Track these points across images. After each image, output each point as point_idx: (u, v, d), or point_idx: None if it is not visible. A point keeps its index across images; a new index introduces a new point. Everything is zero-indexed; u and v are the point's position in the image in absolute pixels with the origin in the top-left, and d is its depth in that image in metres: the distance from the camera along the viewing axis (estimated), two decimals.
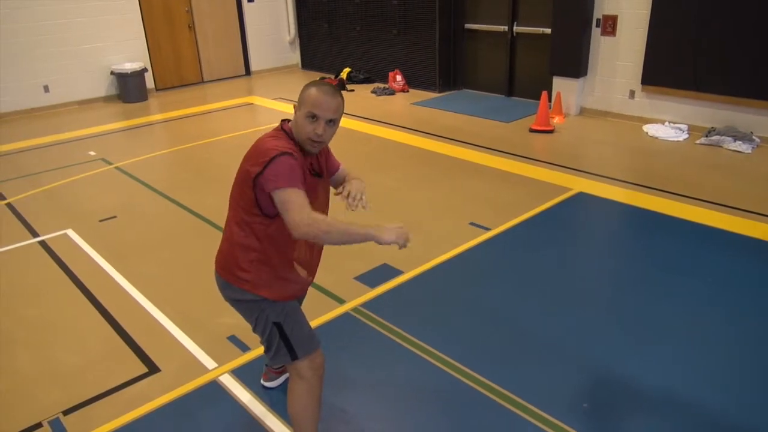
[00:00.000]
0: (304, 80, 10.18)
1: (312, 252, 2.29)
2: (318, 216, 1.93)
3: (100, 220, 4.81)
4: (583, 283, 3.73)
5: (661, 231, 4.34)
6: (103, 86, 8.97)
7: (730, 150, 5.91)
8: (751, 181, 5.20)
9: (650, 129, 6.59)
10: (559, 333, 3.20)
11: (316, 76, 10.14)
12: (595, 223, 4.74)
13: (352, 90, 9.30)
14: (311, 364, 2.21)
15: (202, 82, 10.19)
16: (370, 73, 9.71)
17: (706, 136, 6.14)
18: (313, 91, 2.04)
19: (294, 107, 2.13)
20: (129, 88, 8.88)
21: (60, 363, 3.11)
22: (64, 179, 5.77)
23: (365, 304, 3.51)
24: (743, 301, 3.42)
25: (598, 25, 6.94)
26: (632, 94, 6.92)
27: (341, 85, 9.39)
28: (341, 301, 3.53)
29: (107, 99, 9.03)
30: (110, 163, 6.19)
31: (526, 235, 4.36)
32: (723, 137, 6.02)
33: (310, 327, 2.27)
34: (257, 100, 8.93)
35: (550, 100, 7.17)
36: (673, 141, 6.31)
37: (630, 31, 6.71)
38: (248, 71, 10.74)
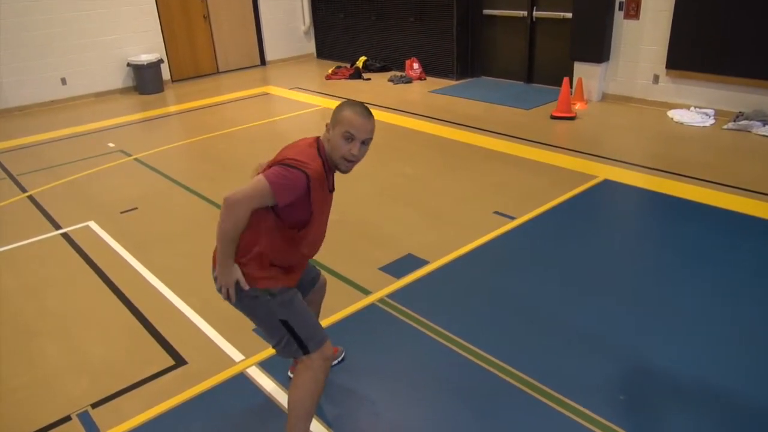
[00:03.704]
0: (320, 70, 10.21)
1: (300, 264, 2.31)
2: (245, 216, 2.01)
3: (122, 212, 4.80)
4: (613, 272, 3.65)
5: (692, 219, 4.23)
6: (119, 78, 8.96)
7: (759, 135, 5.76)
8: None
9: (675, 114, 6.44)
10: (591, 323, 3.13)
11: (332, 65, 10.06)
12: (622, 211, 4.64)
13: (369, 79, 9.21)
14: (322, 354, 2.22)
15: (218, 72, 10.16)
16: (387, 62, 9.61)
17: (734, 121, 5.99)
18: (349, 112, 2.08)
19: (327, 126, 2.14)
20: (145, 80, 8.87)
21: (87, 355, 3.10)
22: (85, 171, 5.77)
23: (391, 295, 3.46)
24: None
25: (621, 8, 6.78)
26: (656, 78, 6.76)
27: (357, 74, 9.31)
28: (367, 292, 3.49)
29: (124, 91, 9.03)
30: (129, 155, 6.18)
31: (552, 224, 4.27)
32: (752, 122, 5.86)
33: (314, 318, 2.26)
34: (273, 90, 8.88)
35: (571, 86, 7.04)
36: (699, 126, 6.16)
37: (654, 14, 6.54)
38: (263, 61, 10.69)
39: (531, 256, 3.89)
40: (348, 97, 8.08)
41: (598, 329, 3.08)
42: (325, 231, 2.32)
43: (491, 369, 2.82)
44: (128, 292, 3.65)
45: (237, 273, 2.12)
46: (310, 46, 11.18)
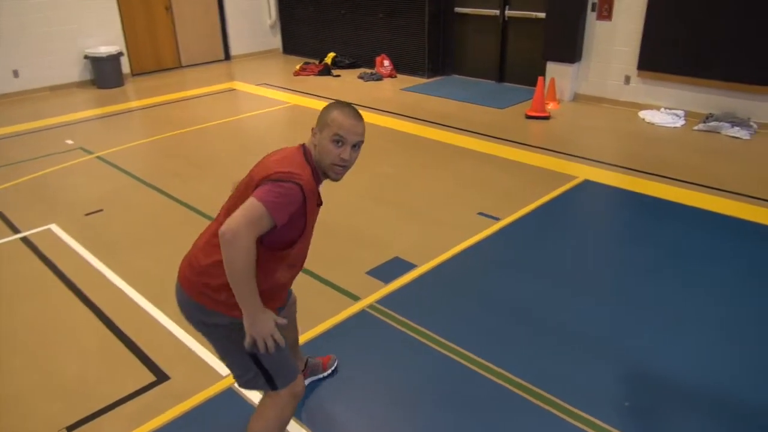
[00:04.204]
0: (287, 65, 9.97)
1: (290, 281, 2.12)
2: (252, 245, 1.75)
3: (86, 214, 4.51)
4: (602, 273, 3.62)
5: (673, 218, 4.26)
6: (76, 71, 8.52)
7: (728, 136, 5.88)
8: (755, 166, 5.17)
9: (647, 115, 6.53)
10: (584, 325, 3.09)
11: (299, 60, 9.84)
12: (605, 212, 4.64)
13: (338, 75, 9.04)
14: (291, 391, 2.04)
15: (180, 66, 9.79)
16: (356, 58, 9.45)
17: (705, 122, 6.10)
18: (337, 114, 1.91)
19: (312, 130, 1.97)
20: (104, 73, 8.46)
21: (58, 372, 2.87)
22: (43, 170, 5.43)
23: (381, 301, 3.34)
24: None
25: (593, 9, 6.82)
26: (627, 79, 6.84)
27: (326, 71, 9.13)
28: (356, 298, 3.36)
29: (81, 84, 8.59)
30: (90, 153, 5.86)
31: (538, 225, 4.23)
32: (721, 123, 5.98)
33: (287, 351, 2.03)
34: (239, 86, 8.61)
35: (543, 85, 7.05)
36: (670, 127, 6.26)
37: (626, 16, 6.61)
38: (228, 56, 10.37)
39: (519, 257, 3.83)
40: (317, 94, 7.95)
41: (592, 330, 3.04)
42: (309, 243, 2.10)
43: (488, 375, 2.74)
44: (99, 301, 3.41)
45: (271, 315, 1.87)
46: (276, 41, 10.91)
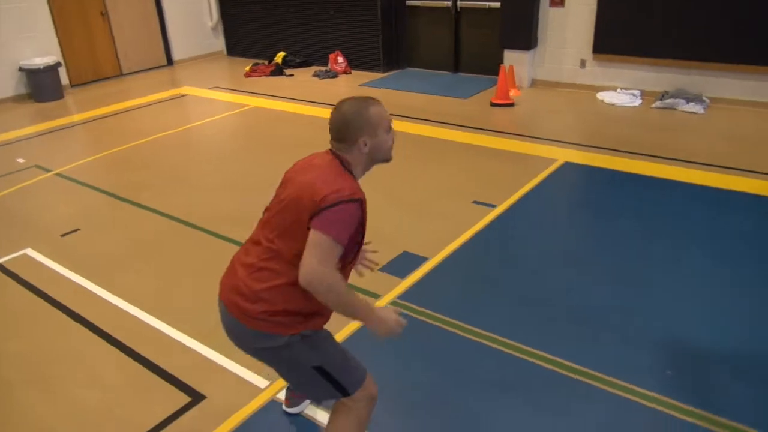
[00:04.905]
0: (235, 67, 9.71)
1: None
2: (340, 279, 1.77)
3: (62, 235, 4.22)
4: (606, 249, 3.72)
5: (655, 191, 4.43)
6: (10, 85, 7.94)
7: (684, 111, 6.19)
8: (714, 137, 5.46)
9: (605, 96, 6.77)
10: (603, 303, 3.16)
11: (246, 62, 9.57)
12: (592, 190, 4.77)
13: (291, 75, 8.87)
14: (365, 393, 1.98)
15: (121, 75, 9.32)
16: (307, 57, 9.30)
17: (661, 100, 6.39)
18: (375, 109, 1.89)
19: (361, 142, 1.85)
20: (41, 86, 7.93)
21: (78, 401, 2.66)
22: (1, 191, 5.03)
23: (402, 296, 3.30)
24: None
25: None
26: (583, 63, 7.06)
27: (279, 70, 8.94)
28: (376, 296, 3.29)
29: (17, 99, 8.01)
30: (48, 170, 5.48)
31: (534, 209, 4.31)
32: (676, 100, 6.28)
33: (349, 355, 1.99)
34: (190, 91, 8.29)
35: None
36: (629, 107, 6.52)
37: (579, 1, 6.81)
38: (170, 61, 9.96)
39: (524, 241, 3.89)
40: (276, 95, 7.77)
41: (615, 307, 3.11)
42: None
43: (524, 357, 2.76)
44: (103, 324, 3.19)
45: (387, 312, 1.88)
46: (220, 43, 10.58)
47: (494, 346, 2.87)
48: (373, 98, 1.93)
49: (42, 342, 3.10)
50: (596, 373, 2.64)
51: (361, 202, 1.80)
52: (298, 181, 1.87)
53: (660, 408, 2.45)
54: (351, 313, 1.83)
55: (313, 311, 1.86)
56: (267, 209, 1.97)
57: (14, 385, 2.80)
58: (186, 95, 8.15)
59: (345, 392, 1.95)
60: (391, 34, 8.55)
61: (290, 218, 1.82)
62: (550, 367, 2.71)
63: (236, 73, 9.22)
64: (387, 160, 1.97)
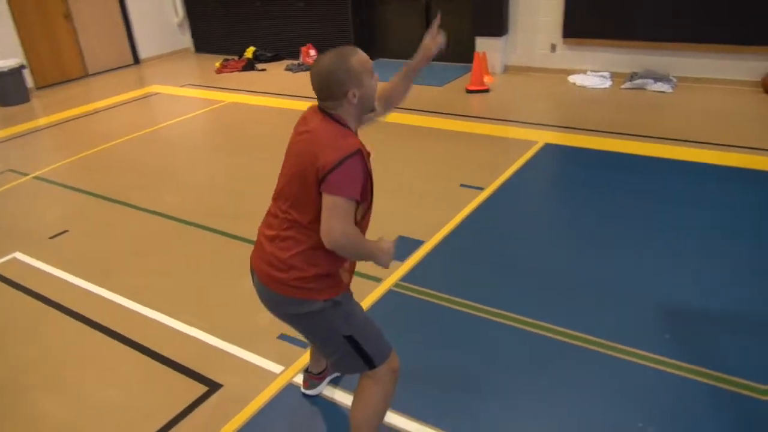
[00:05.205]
0: (204, 64, 9.61)
1: None
2: (358, 233, 1.87)
3: (51, 237, 4.16)
4: (595, 222, 3.86)
5: (634, 168, 4.61)
6: None
7: (653, 91, 6.40)
8: (683, 114, 5.68)
9: (576, 79, 6.95)
10: (599, 273, 3.30)
11: (215, 59, 9.46)
12: (576, 168, 4.89)
13: (264, 69, 8.82)
14: (389, 367, 2.05)
15: (87, 75, 9.12)
16: (278, 51, 9.26)
17: (630, 81, 6.59)
18: (357, 57, 1.85)
19: (350, 94, 1.84)
20: (7, 89, 7.71)
21: (98, 400, 2.66)
22: None
23: (404, 278, 3.37)
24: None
25: None
26: (554, 47, 7.23)
27: (250, 65, 8.88)
28: (378, 280, 3.36)
29: None
30: (24, 174, 5.36)
31: (522, 189, 4.43)
32: (645, 80, 6.49)
33: (378, 329, 2.07)
34: (162, 89, 8.17)
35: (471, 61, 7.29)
36: (600, 88, 6.71)
37: None
38: (137, 60, 9.79)
39: (516, 220, 4.01)
40: (251, 90, 7.73)
41: (611, 278, 3.25)
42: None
43: (537, 331, 2.87)
44: (108, 323, 3.18)
45: (384, 240, 1.96)
46: (186, 40, 10.43)
47: (501, 320, 2.97)
48: (349, 47, 1.91)
49: (49, 345, 3.07)
50: (601, 340, 2.76)
51: (360, 153, 1.82)
52: (298, 150, 1.90)
53: (662, 368, 2.58)
54: (367, 258, 1.93)
55: (337, 269, 1.95)
56: (278, 179, 1.99)
57: (29, 390, 2.77)
58: (157, 93, 8.03)
59: (371, 364, 2.01)
60: (362, 24, 8.58)
61: (298, 188, 1.86)
62: (557, 337, 2.82)
63: (206, 69, 9.12)
64: (372, 108, 1.98)
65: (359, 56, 1.86)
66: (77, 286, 3.55)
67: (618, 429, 2.30)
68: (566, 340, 2.80)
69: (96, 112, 7.32)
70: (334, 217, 1.78)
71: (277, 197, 1.98)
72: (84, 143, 6.17)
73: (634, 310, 2.98)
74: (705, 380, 2.50)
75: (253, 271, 2.02)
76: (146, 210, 4.48)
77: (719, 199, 4.02)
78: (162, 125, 6.61)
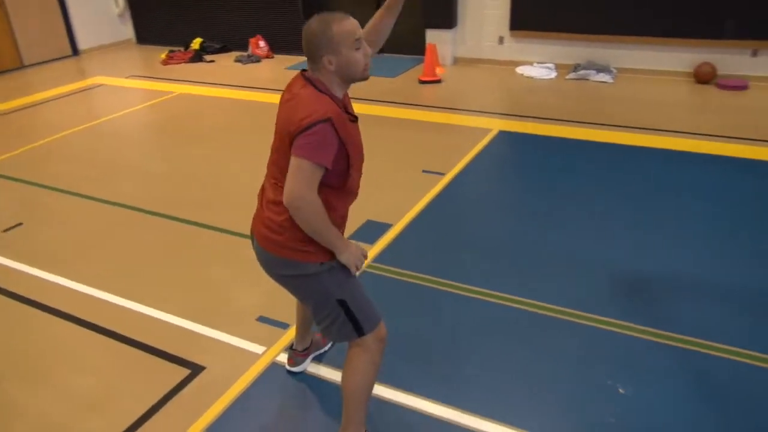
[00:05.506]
0: (148, 55, 9.37)
1: (347, 210, 2.17)
2: (318, 201, 1.86)
3: (5, 230, 4.00)
4: (552, 202, 4.06)
5: (584, 152, 4.87)
6: None
7: (595, 81, 6.74)
8: (624, 103, 6.02)
9: (524, 70, 7.21)
10: (560, 248, 3.49)
11: (158, 50, 9.24)
12: (530, 153, 5.09)
13: (213, 61, 8.68)
14: (377, 336, 2.11)
15: (23, 66, 8.72)
16: (226, 42, 9.13)
17: (574, 71, 6.91)
18: (337, 26, 1.84)
19: (323, 59, 1.86)
20: None
21: (76, 388, 2.62)
22: None
23: (375, 260, 3.46)
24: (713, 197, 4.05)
25: None
26: (501, 40, 7.47)
27: (198, 57, 8.72)
28: None
29: None
30: None
31: (481, 173, 4.60)
32: (588, 71, 6.82)
33: (369, 298, 2.13)
34: (107, 81, 7.92)
35: (423, 53, 7.44)
36: (547, 79, 6.99)
37: None
38: (76, 51, 9.42)
39: (478, 201, 4.18)
40: (202, 81, 7.60)
41: (572, 250, 3.45)
42: (362, 166, 2.12)
43: (505, 303, 3.02)
44: (77, 312, 3.11)
45: (354, 244, 1.99)
46: (128, 31, 10.11)
47: (471, 295, 3.10)
48: (339, 14, 1.89)
49: (19, 338, 2.98)
50: (564, 309, 2.94)
51: (330, 120, 1.81)
52: (281, 118, 1.93)
53: (620, 331, 2.78)
54: (327, 241, 1.92)
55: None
56: (271, 147, 2.02)
57: (2, 382, 2.69)
58: (102, 85, 7.77)
59: (361, 331, 2.06)
60: (312, 15, 8.54)
61: (284, 154, 1.89)
62: (524, 308, 2.98)
63: (151, 61, 8.89)
64: (363, 78, 1.96)
65: (343, 25, 1.84)
66: (39, 278, 3.45)
67: (588, 386, 2.47)
68: (534, 310, 2.96)
69: (38, 104, 7.02)
70: (297, 179, 1.80)
71: (270, 164, 2.02)
72: (28, 136, 5.93)
73: (594, 279, 3.18)
74: (662, 341, 2.71)
75: (252, 235, 2.08)
76: (102, 200, 4.37)
77: (659, 177, 4.33)
78: (111, 116, 6.42)
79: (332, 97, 1.91)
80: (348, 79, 1.94)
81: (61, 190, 4.58)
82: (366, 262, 2.00)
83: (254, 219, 2.09)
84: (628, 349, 2.68)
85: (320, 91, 1.88)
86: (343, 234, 2.08)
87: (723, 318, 2.84)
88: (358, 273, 2.03)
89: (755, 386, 2.43)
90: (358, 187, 2.12)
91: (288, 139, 1.85)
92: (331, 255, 1.98)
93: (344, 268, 2.02)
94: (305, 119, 1.81)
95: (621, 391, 2.43)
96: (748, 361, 2.57)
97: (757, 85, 6.33)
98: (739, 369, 2.53)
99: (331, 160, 1.84)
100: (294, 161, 1.81)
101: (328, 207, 1.94)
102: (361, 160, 2.07)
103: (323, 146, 1.82)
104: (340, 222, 2.07)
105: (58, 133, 5.92)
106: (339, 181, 1.96)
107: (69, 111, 6.71)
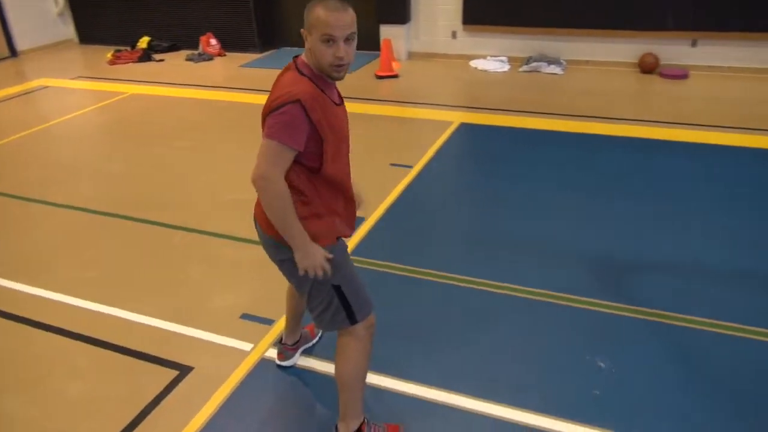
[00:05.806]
0: (92, 55, 9.06)
1: (349, 193, 2.15)
2: (282, 184, 1.85)
3: None
4: (515, 188, 4.22)
5: (543, 141, 5.06)
6: None
7: (547, 73, 6.96)
8: (574, 93, 6.25)
9: (477, 64, 7.38)
10: (524, 233, 3.64)
11: (102, 50, 8.95)
12: (492, 143, 5.23)
13: (162, 60, 8.48)
14: (366, 323, 2.14)
15: None
16: (175, 40, 8.92)
17: (527, 64, 7.12)
18: (320, 10, 1.77)
19: (303, 33, 1.84)
20: None
21: (63, 395, 2.55)
22: None
23: (352, 252, 3.50)
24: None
25: None
26: (454, 34, 7.61)
27: (147, 56, 8.49)
28: None
29: None
30: None
31: (447, 164, 4.71)
32: (540, 63, 7.04)
33: (364, 285, 2.15)
34: (52, 82, 7.61)
35: (378, 48, 7.50)
36: (500, 72, 7.18)
37: None
38: (14, 52, 9.01)
39: (447, 191, 4.31)
40: (153, 81, 7.41)
41: (542, 235, 3.60)
42: (348, 146, 2.10)
43: (482, 288, 3.13)
44: (54, 321, 3.02)
45: (318, 248, 1.91)
46: (69, 31, 9.74)
47: (451, 282, 3.19)
48: (339, 3, 1.80)
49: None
50: (543, 291, 3.07)
51: (300, 102, 1.78)
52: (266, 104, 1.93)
53: (598, 309, 2.93)
54: (287, 231, 1.87)
55: (322, 212, 1.97)
56: None
57: None
58: (47, 87, 7.48)
59: (353, 319, 2.08)
60: (264, 13, 8.49)
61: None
62: (503, 292, 3.09)
63: (96, 61, 8.60)
64: (331, 76, 1.87)
65: (324, 14, 1.76)
66: (10, 289, 3.32)
67: (573, 363, 2.60)
68: (514, 294, 3.08)
69: None
70: (263, 157, 1.82)
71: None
72: None
73: (556, 260, 3.33)
74: (635, 315, 2.88)
75: (255, 220, 2.08)
76: (65, 205, 4.24)
77: (611, 163, 4.57)
78: (61, 119, 6.19)
79: (312, 78, 1.86)
80: (321, 69, 1.86)
81: (20, 197, 4.41)
82: (322, 269, 1.92)
83: (256, 204, 2.08)
84: (606, 325, 2.83)
85: (302, 74, 1.87)
86: (349, 237, 2.10)
87: (689, 292, 3.04)
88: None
89: (732, 356, 2.62)
90: (347, 176, 2.09)
91: (263, 121, 1.86)
92: (329, 240, 1.98)
93: (342, 254, 2.04)
94: (276, 100, 1.82)
95: (600, 364, 2.58)
96: (714, 330, 2.76)
97: (696, 74, 6.70)
98: (705, 338, 2.72)
99: (299, 142, 1.82)
100: (263, 141, 1.82)
101: (310, 194, 1.94)
102: (341, 144, 2.00)
103: (291, 127, 1.80)
104: (327, 214, 1.99)
105: (8, 137, 5.67)
106: (315, 163, 1.91)
107: (15, 114, 6.43)
